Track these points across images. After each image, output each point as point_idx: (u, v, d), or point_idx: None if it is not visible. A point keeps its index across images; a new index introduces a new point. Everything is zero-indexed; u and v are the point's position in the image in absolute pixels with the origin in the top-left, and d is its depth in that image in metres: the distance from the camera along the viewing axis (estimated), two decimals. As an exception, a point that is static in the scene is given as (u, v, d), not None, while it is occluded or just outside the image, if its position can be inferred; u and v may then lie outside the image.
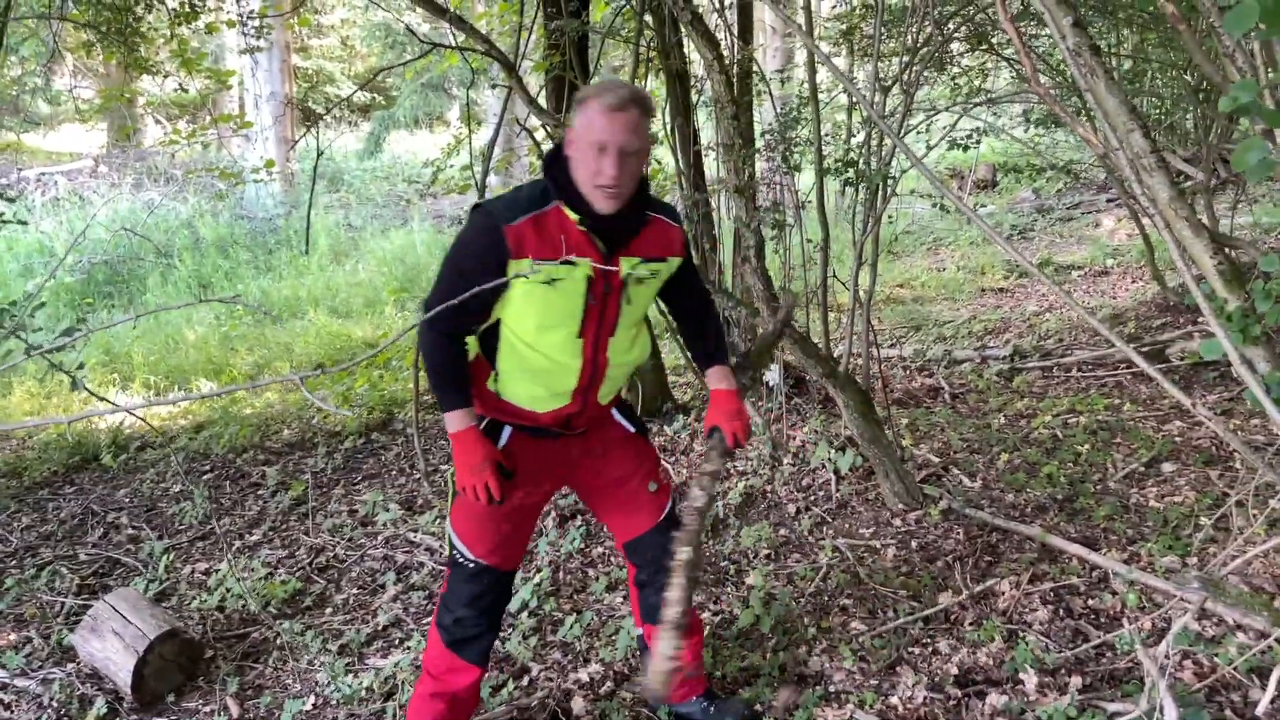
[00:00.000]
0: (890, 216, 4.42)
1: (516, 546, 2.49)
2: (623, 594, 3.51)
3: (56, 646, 3.42)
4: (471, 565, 2.45)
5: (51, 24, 5.28)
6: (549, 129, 4.39)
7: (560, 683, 3.00)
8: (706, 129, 5.55)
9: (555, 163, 2.18)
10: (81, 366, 2.40)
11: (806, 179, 5.63)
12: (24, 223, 4.11)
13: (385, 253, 10.00)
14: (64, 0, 4.52)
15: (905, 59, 4.08)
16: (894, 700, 2.68)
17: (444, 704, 2.52)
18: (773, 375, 4.91)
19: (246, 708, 3.07)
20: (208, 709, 3.08)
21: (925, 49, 4.08)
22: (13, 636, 3.54)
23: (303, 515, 4.43)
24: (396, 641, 3.38)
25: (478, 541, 2.44)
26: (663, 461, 2.60)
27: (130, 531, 4.39)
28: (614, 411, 2.55)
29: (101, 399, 1.93)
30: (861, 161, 3.87)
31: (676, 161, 4.69)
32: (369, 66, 19.97)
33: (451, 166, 5.56)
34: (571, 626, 3.30)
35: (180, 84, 5.78)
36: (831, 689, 2.77)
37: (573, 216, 2.15)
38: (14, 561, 4.16)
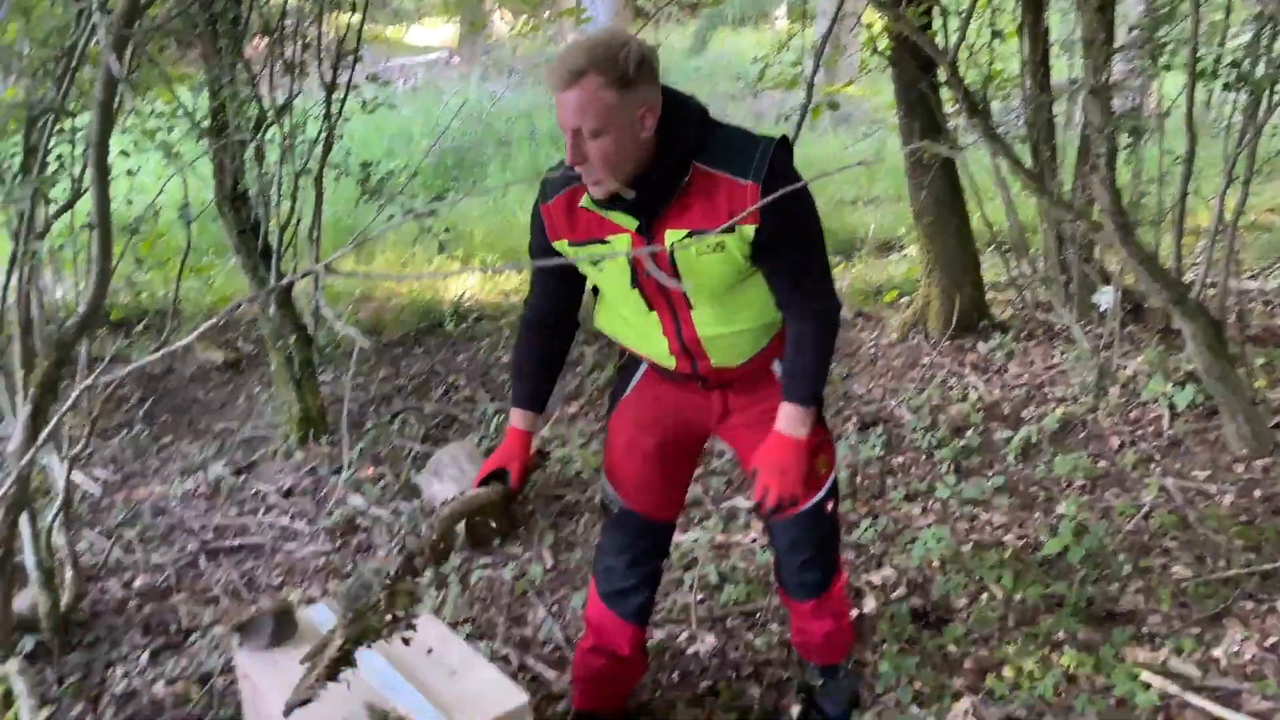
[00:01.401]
0: (1274, 128, 3.91)
1: (664, 492, 2.27)
2: (922, 506, 3.47)
3: (404, 484, 3.90)
4: (616, 509, 2.27)
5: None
6: (887, 22, 4.22)
7: (852, 580, 3.04)
8: (1057, 27, 5.10)
9: None
10: (447, 230, 2.65)
11: (1172, 84, 5.06)
12: (394, 106, 4.53)
13: (705, 150, 10.14)
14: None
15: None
16: (1216, 653, 2.49)
17: (604, 660, 2.38)
18: (1106, 298, 4.55)
19: (559, 560, 3.36)
20: (526, 556, 3.40)
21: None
22: (370, 471, 4.06)
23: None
24: (695, 520, 3.55)
25: (622, 480, 2.25)
26: (830, 444, 2.20)
27: (466, 392, 4.87)
28: (774, 365, 2.09)
29: (460, 261, 2.13)
30: (1246, 63, 3.42)
31: (1022, 59, 4.37)
32: (701, -37, 19.94)
33: (779, 63, 5.49)
34: (866, 530, 3.31)
35: (530, -22, 6.06)
36: (1145, 630, 2.62)
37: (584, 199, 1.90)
38: (372, 409, 4.74)
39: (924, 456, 3.81)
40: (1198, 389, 3.76)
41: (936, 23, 4.21)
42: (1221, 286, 3.85)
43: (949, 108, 4.54)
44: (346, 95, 4.11)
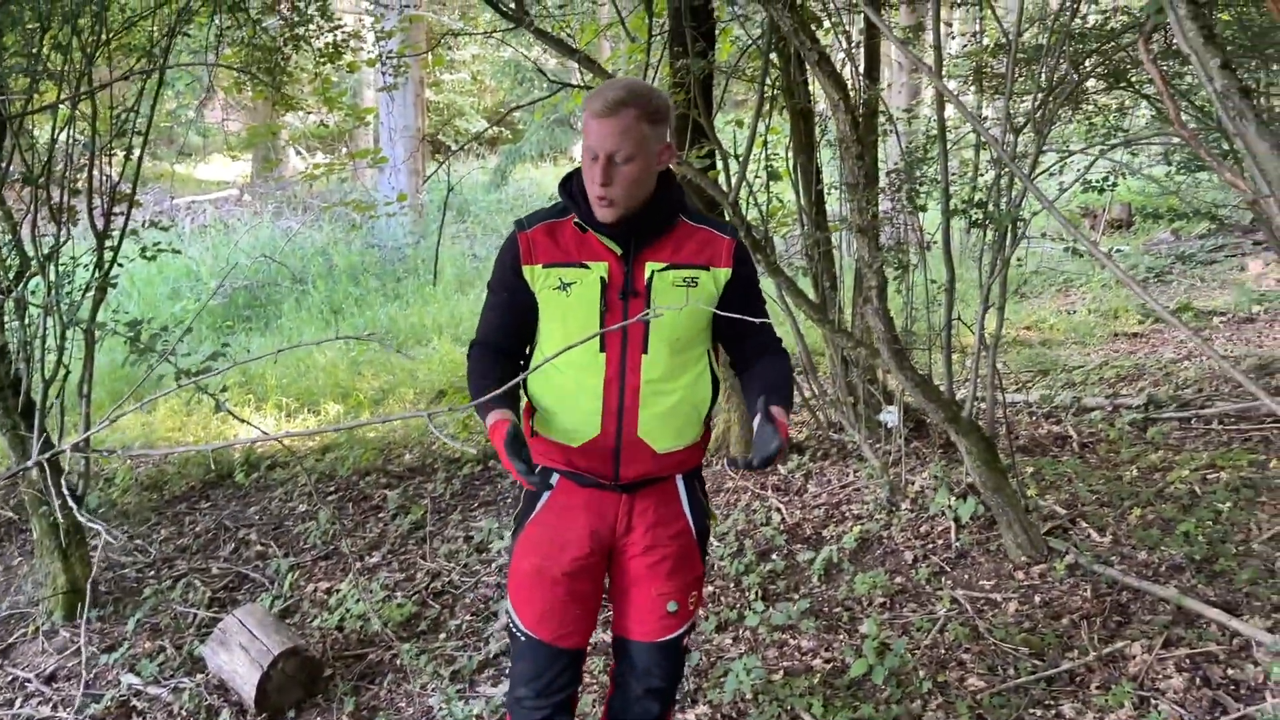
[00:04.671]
0: (1019, 258, 4.30)
1: (574, 620, 2.19)
2: (733, 635, 3.48)
3: (188, 657, 3.58)
4: (523, 638, 2.20)
5: (206, 64, 5.62)
6: (673, 165, 4.43)
7: (667, 723, 2.98)
8: (829, 167, 5.51)
9: (570, 177, 2.12)
10: (225, 389, 2.52)
11: (932, 219, 5.53)
12: (178, 251, 4.34)
13: (507, 283, 10.23)
14: (219, 43, 4.80)
15: (1039, 97, 3.97)
16: (1014, 764, 2.57)
17: None
18: (891, 417, 4.81)
19: (361, 728, 3.14)
20: (325, 726, 3.17)
21: (1060, 87, 3.97)
22: (148, 645, 3.71)
23: (421, 539, 4.54)
24: (507, 671, 3.42)
25: (527, 607, 2.19)
26: (705, 585, 2.37)
27: (259, 548, 4.57)
28: (679, 483, 2.22)
29: (243, 420, 2.01)
30: (990, 203, 3.78)
31: (798, 199, 4.67)
32: (498, 101, 20.54)
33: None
34: (680, 665, 3.27)
35: (321, 119, 6.06)
36: (947, 748, 2.67)
37: (579, 223, 2.10)
38: (152, 573, 4.37)
39: (733, 584, 3.84)
40: (978, 500, 3.99)
41: (718, 164, 4.47)
42: (990, 402, 4.15)
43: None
44: (121, 242, 3.91)
